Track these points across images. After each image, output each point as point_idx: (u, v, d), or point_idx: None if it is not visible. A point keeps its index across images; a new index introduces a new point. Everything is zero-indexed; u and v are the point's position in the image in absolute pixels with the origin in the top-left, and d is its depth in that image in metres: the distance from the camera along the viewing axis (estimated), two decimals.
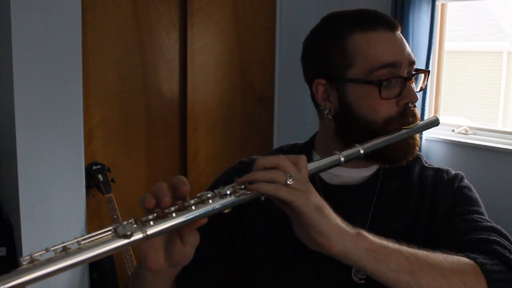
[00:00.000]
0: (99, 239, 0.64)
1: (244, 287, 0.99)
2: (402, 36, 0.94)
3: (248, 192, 0.73)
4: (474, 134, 3.21)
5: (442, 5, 3.30)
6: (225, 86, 3.43)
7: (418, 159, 1.02)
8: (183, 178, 0.72)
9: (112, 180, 2.84)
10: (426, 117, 3.25)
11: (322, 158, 0.84)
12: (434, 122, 0.99)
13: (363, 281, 0.92)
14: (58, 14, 2.55)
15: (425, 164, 1.02)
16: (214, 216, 0.97)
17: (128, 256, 2.68)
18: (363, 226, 0.93)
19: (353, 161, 0.96)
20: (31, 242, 2.53)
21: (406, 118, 0.92)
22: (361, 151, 0.86)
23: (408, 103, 0.92)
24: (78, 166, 2.73)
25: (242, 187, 0.73)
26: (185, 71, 3.23)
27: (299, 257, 0.93)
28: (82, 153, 2.74)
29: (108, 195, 2.76)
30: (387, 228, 0.92)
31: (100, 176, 2.80)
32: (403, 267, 0.74)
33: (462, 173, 1.00)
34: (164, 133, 3.22)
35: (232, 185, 0.73)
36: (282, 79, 3.55)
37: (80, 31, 2.65)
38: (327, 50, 0.93)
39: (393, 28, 0.92)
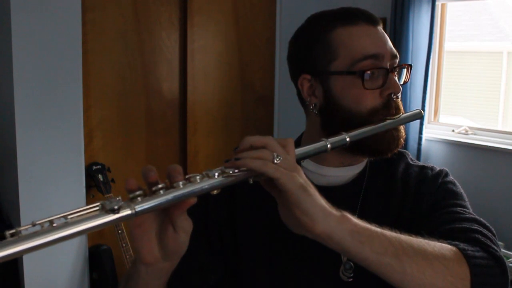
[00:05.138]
0: (86, 215, 0.63)
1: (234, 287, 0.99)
2: (384, 32, 0.96)
3: (236, 173, 0.73)
4: (474, 134, 3.21)
5: (442, 5, 3.30)
6: (225, 86, 3.44)
7: (403, 156, 1.03)
8: (179, 167, 0.72)
9: (112, 180, 2.84)
10: (426, 117, 3.25)
11: (309, 144, 0.85)
12: (418, 115, 1.00)
13: (351, 279, 0.92)
14: (58, 14, 2.55)
15: (410, 162, 1.03)
16: (206, 220, 0.97)
17: (128, 256, 2.68)
18: None
19: (339, 158, 0.98)
20: None
21: (390, 109, 0.93)
22: (347, 139, 0.86)
23: (391, 94, 0.93)
24: (78, 166, 2.73)
25: (231, 172, 0.73)
26: (185, 71, 3.23)
27: (288, 256, 0.94)
28: (82, 153, 2.74)
29: (108, 195, 2.76)
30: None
31: (100, 176, 2.80)
32: (387, 250, 0.73)
33: (447, 169, 1.01)
34: (164, 133, 3.22)
35: (220, 167, 0.73)
36: (282, 79, 3.55)
37: (80, 31, 2.65)
38: (312, 46, 0.96)
39: (374, 23, 0.95)
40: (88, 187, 2.79)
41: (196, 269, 0.95)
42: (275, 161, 0.72)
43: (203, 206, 0.99)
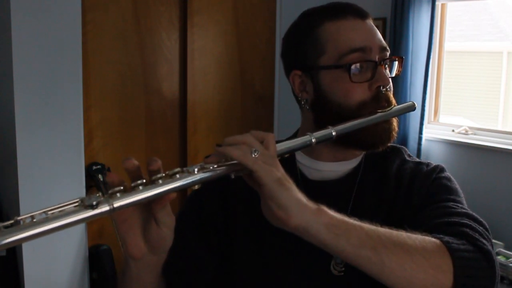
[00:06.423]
0: (66, 210, 0.65)
1: (226, 282, 0.99)
2: (373, 25, 0.96)
3: (217, 169, 0.73)
4: (474, 134, 3.21)
5: (442, 5, 3.30)
6: (225, 86, 3.44)
7: (399, 152, 1.03)
8: (159, 162, 0.73)
9: None
10: (426, 118, 3.25)
11: (293, 139, 0.84)
12: (411, 107, 1.00)
13: (342, 273, 0.92)
14: (58, 14, 2.55)
15: (407, 158, 1.02)
16: (201, 215, 0.98)
17: None
18: None
19: (332, 153, 0.98)
20: (30, 242, 2.53)
21: (380, 102, 0.92)
22: (333, 133, 0.86)
23: (380, 86, 0.93)
24: (78, 166, 2.73)
25: (211, 167, 0.73)
26: (185, 71, 3.23)
27: (279, 250, 0.94)
28: (82, 153, 2.74)
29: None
30: (365, 222, 0.92)
31: (100, 176, 2.80)
32: (364, 243, 0.73)
33: (443, 165, 1.00)
34: (164, 133, 3.22)
35: (200, 163, 0.74)
36: (282, 79, 3.55)
37: (80, 31, 2.65)
38: (301, 42, 0.96)
39: (362, 17, 0.95)
40: (88, 187, 2.79)
41: (194, 265, 0.96)
42: (253, 155, 0.73)
43: (198, 202, 0.99)
